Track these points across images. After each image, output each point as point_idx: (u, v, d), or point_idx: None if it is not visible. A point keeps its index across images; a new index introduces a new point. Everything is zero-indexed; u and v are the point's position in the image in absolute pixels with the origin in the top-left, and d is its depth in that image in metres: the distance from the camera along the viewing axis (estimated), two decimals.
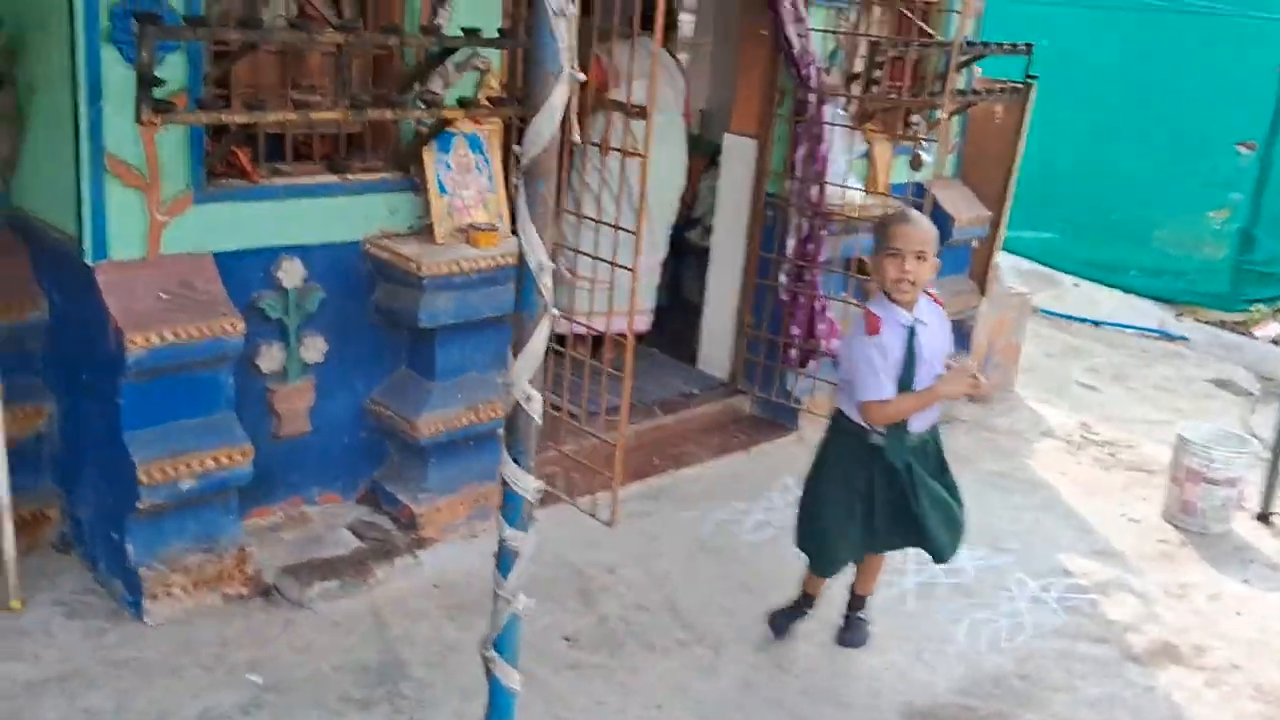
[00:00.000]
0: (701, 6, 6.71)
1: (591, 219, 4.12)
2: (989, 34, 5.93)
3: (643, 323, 5.81)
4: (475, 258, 3.95)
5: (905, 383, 3.36)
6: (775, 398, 5.53)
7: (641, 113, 3.90)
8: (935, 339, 3.42)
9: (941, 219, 5.98)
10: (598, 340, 5.73)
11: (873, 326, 3.34)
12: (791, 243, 5.35)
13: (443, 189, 4.00)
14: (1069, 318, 8.35)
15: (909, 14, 5.50)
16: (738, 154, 5.52)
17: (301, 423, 3.96)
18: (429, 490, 4.09)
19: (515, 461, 2.39)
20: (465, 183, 4.07)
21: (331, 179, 3.83)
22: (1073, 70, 8.45)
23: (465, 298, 3.99)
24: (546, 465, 4.44)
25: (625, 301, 5.65)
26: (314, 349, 3.91)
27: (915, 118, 5.92)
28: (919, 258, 3.29)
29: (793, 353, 5.44)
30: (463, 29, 3.81)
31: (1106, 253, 8.74)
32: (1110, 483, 5.49)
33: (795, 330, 5.40)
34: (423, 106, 3.79)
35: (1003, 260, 8.56)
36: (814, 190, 5.23)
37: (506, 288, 4.07)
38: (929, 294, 3.46)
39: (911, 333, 3.35)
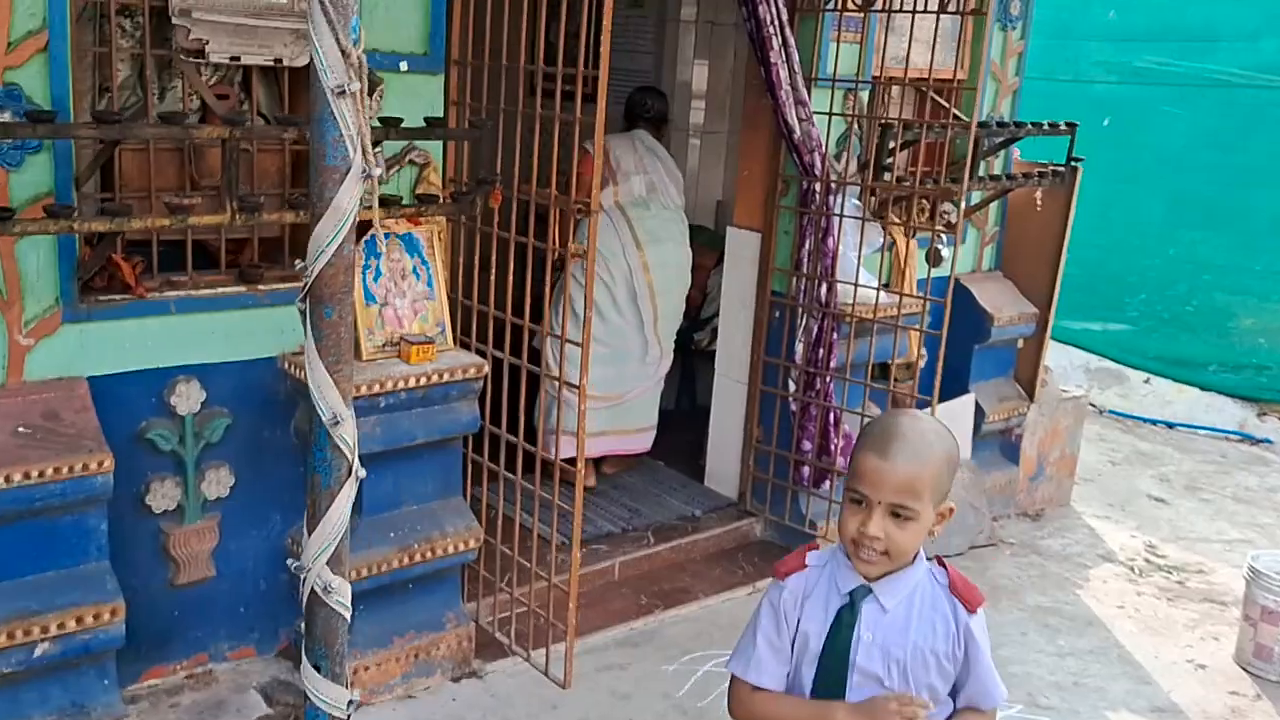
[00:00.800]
0: (712, 93, 6.24)
1: (574, 342, 3.53)
2: (1049, 114, 5.33)
3: (642, 443, 5.27)
4: (404, 375, 3.44)
5: (826, 686, 2.09)
6: (788, 521, 4.90)
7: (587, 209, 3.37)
8: (904, 640, 2.05)
9: (977, 317, 5.38)
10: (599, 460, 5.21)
11: (785, 566, 2.16)
12: (800, 347, 4.77)
13: (370, 298, 3.52)
14: (1138, 419, 7.58)
15: (934, 95, 4.95)
16: (741, 249, 4.98)
17: (203, 568, 3.45)
18: (355, 645, 3.53)
19: (316, 668, 1.83)
20: (400, 290, 3.58)
21: (239, 290, 3.37)
22: (1143, 151, 7.81)
23: (394, 421, 3.47)
24: (503, 606, 3.89)
25: (625, 420, 5.19)
26: (218, 483, 3.42)
27: (947, 207, 5.34)
28: (896, 515, 1.98)
29: (805, 470, 4.81)
30: (380, 120, 3.37)
31: (1182, 347, 7.95)
32: (1176, 618, 4.73)
33: (807, 445, 4.79)
34: None
35: (1067, 356, 7.89)
36: (823, 288, 4.66)
37: (446, 408, 3.59)
38: (940, 567, 2.12)
39: (849, 612, 2.06)
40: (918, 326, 4.80)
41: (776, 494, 4.93)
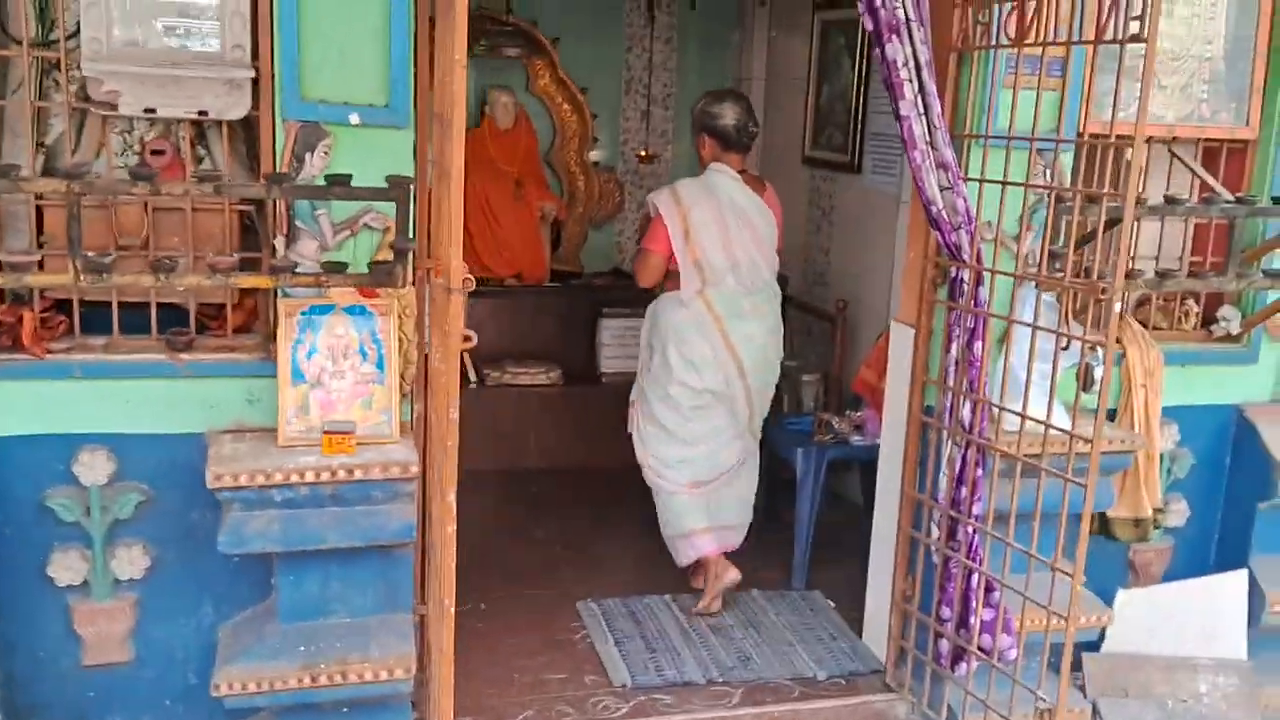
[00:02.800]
0: None
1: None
2: None
3: (733, 539, 4.43)
4: (307, 468, 3.00)
5: None
6: (925, 707, 3.77)
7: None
8: None
9: (1263, 465, 3.89)
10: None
11: None
12: (943, 481, 3.66)
13: (298, 376, 3.12)
14: None
15: (1177, 155, 3.64)
16: (900, 350, 3.95)
17: (117, 651, 3.22)
18: None
19: None
20: (338, 370, 3.16)
21: (159, 358, 3.13)
22: None
23: (298, 519, 3.03)
24: None
25: (721, 514, 4.32)
26: (129, 562, 3.18)
27: (1227, 311, 3.92)
28: None
29: (943, 644, 3.67)
30: (327, 178, 2.98)
31: None
32: None
33: (946, 611, 3.65)
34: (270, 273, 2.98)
35: None
36: (965, 408, 3.54)
37: (368, 510, 3.10)
38: None
39: None
40: (1112, 469, 3.51)
41: (919, 667, 3.81)
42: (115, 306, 3.13)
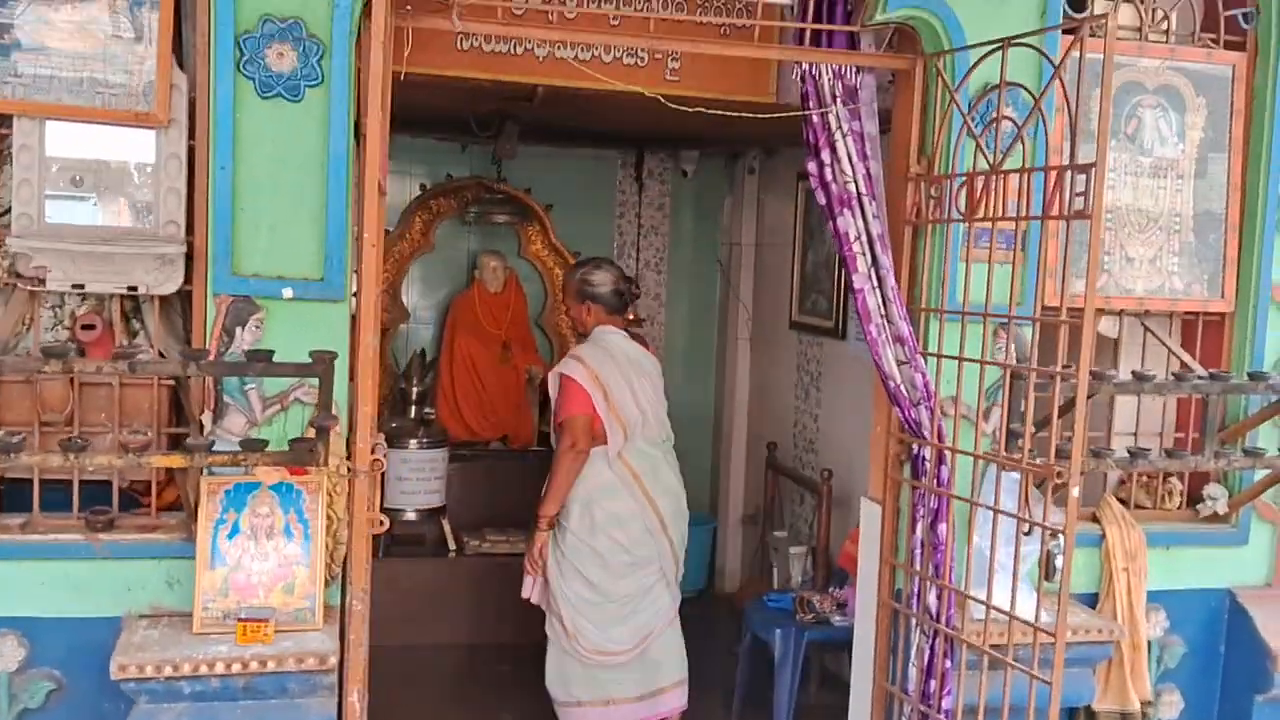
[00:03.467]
0: None
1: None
2: None
3: (680, 698, 4.26)
4: (218, 658, 2.84)
5: None
6: None
7: None
8: None
9: (1258, 654, 3.64)
10: None
11: None
12: (913, 674, 3.44)
13: (219, 558, 2.99)
14: None
15: (1149, 330, 3.52)
16: (870, 526, 3.78)
17: None
18: None
19: None
20: (261, 552, 3.02)
21: (76, 539, 3.02)
22: None
23: (211, 713, 2.86)
24: None
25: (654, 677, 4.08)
26: None
27: (1214, 490, 3.74)
28: None
29: None
30: (247, 353, 2.92)
31: None
32: None
33: None
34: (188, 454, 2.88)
35: None
36: (930, 594, 3.35)
37: (285, 703, 2.93)
38: None
39: None
40: (1088, 661, 3.27)
41: None
42: (36, 484, 3.04)
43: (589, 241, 6.59)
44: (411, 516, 5.60)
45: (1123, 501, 3.74)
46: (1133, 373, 3.32)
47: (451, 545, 5.66)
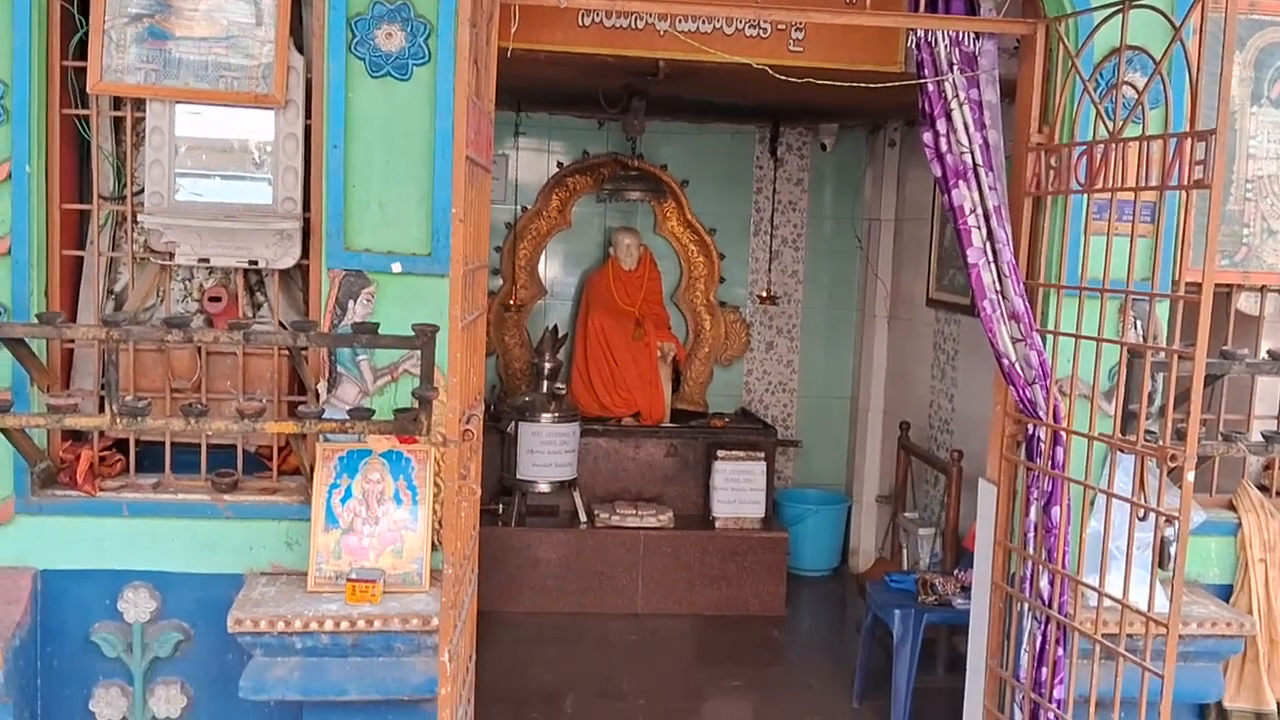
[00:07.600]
0: None
1: None
2: None
3: None
4: (329, 616, 2.97)
5: None
6: None
7: None
8: None
9: None
10: None
11: None
12: (1025, 660, 3.33)
13: (332, 520, 3.13)
14: None
15: None
16: (986, 507, 3.67)
17: None
18: None
19: None
20: (371, 515, 3.14)
21: (202, 499, 3.20)
22: None
23: (319, 668, 3.01)
24: None
25: None
26: (167, 700, 3.21)
27: None
28: None
29: None
30: (354, 325, 3.04)
31: None
32: None
33: None
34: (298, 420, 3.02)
35: None
36: (1043, 580, 3.23)
37: (391, 661, 3.06)
38: None
39: None
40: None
41: None
42: (169, 447, 3.23)
43: (725, 218, 6.57)
44: (544, 489, 5.71)
45: (1264, 489, 3.53)
46: (1268, 352, 3.13)
47: (583, 517, 5.75)
